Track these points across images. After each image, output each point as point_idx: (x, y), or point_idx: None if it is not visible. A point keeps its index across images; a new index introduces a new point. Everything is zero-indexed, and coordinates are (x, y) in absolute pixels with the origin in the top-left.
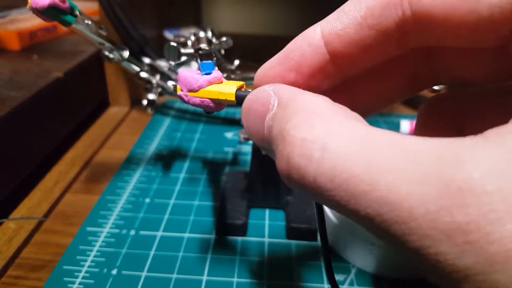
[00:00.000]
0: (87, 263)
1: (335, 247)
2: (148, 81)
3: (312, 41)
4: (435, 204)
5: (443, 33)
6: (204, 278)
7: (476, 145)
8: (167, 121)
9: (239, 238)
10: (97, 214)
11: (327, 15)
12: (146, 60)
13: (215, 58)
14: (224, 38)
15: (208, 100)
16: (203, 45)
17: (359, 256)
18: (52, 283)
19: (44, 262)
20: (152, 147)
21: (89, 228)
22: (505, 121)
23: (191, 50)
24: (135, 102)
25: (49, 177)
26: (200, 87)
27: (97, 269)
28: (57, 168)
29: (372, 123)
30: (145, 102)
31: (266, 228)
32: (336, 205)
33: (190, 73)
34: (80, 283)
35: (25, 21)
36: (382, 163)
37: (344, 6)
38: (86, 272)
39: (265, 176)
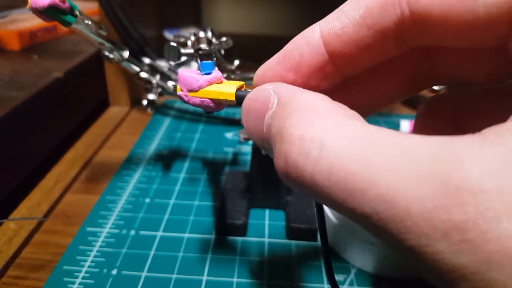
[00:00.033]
0: (87, 263)
1: (335, 247)
2: (148, 81)
3: (311, 41)
4: (432, 202)
5: (441, 32)
6: (204, 278)
7: (474, 144)
8: (167, 121)
9: (239, 238)
10: (97, 214)
11: (327, 15)
12: (146, 60)
13: (215, 58)
14: (224, 38)
15: (208, 100)
16: (203, 45)
17: (359, 256)
18: (52, 283)
19: (44, 262)
20: (152, 147)
21: (89, 228)
22: (504, 120)
23: (191, 50)
24: (135, 102)
25: (49, 177)
26: (200, 87)
27: (97, 269)
28: (57, 168)
29: (372, 123)
30: (145, 102)
31: (266, 228)
32: (333, 203)
33: (190, 73)
34: (80, 283)
35: (25, 21)
36: (379, 161)
37: (343, 6)
38: (86, 272)
39: (265, 176)
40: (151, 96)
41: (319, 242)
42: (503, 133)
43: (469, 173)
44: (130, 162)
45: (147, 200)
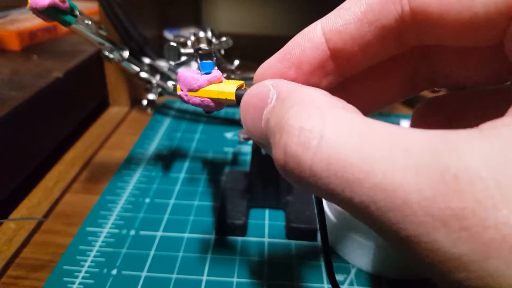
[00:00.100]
0: (87, 263)
1: (335, 247)
2: (148, 81)
3: (312, 38)
4: (430, 191)
5: (440, 30)
6: (204, 278)
7: (472, 136)
8: (167, 121)
9: (239, 238)
10: (97, 214)
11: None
12: (146, 60)
13: (215, 58)
14: (224, 38)
15: (208, 99)
16: (203, 45)
17: (359, 256)
18: (52, 283)
19: (44, 262)
20: (152, 147)
21: (89, 228)
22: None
23: (191, 50)
24: (135, 102)
25: (49, 177)
26: (200, 87)
27: (97, 269)
28: (57, 168)
29: None
30: (145, 102)
31: (266, 228)
32: (332, 194)
33: (190, 73)
34: (80, 283)
35: (25, 21)
36: (378, 151)
37: (345, 4)
38: (86, 272)
39: (265, 176)
40: (151, 96)
41: (319, 242)
42: (500, 127)
43: (467, 164)
44: (130, 162)
45: (147, 200)
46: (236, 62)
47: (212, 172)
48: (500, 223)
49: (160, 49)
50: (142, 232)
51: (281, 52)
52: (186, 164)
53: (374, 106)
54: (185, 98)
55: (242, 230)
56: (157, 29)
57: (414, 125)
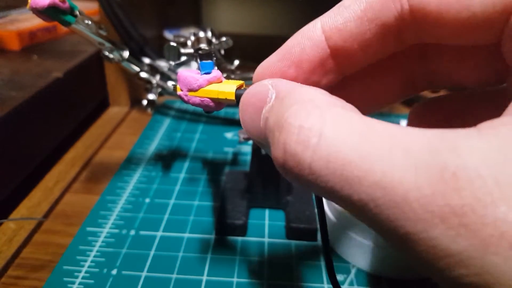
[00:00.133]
0: (87, 263)
1: (335, 247)
2: (148, 81)
3: (312, 36)
4: (429, 188)
5: (439, 29)
6: (204, 278)
7: (470, 136)
8: (167, 121)
9: (239, 238)
10: (97, 214)
11: None
12: (146, 60)
13: (214, 58)
14: (224, 38)
15: (208, 99)
16: (203, 45)
17: (359, 256)
18: (52, 283)
19: (44, 262)
20: (152, 147)
21: (89, 228)
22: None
23: (191, 50)
24: (135, 102)
25: (49, 177)
26: (200, 87)
27: (97, 269)
28: (57, 168)
29: None
30: (145, 102)
31: (266, 228)
32: (330, 192)
33: (190, 73)
34: (80, 283)
35: (25, 21)
36: (377, 150)
37: (344, 1)
38: (86, 272)
39: (265, 176)
40: (151, 96)
41: (319, 242)
42: (498, 126)
43: (465, 162)
44: (130, 162)
45: (147, 200)
46: (236, 62)
47: (212, 172)
48: (499, 220)
49: (160, 49)
50: (142, 232)
51: (280, 51)
52: (186, 164)
53: (373, 106)
54: (185, 98)
55: (242, 230)
56: (157, 29)
57: (411, 125)
